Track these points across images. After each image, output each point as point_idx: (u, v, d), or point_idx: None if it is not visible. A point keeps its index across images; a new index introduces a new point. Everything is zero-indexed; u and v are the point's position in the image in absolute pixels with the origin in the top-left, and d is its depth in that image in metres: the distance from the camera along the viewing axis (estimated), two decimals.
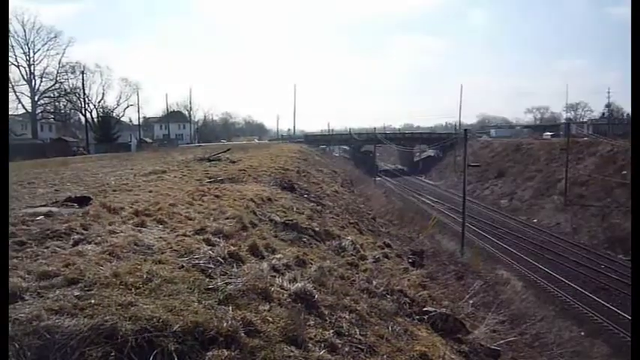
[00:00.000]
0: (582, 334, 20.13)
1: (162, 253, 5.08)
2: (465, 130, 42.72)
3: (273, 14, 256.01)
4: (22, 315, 3.16)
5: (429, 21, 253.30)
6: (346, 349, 4.21)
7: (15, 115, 71.76)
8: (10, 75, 63.40)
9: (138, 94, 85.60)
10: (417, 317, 6.22)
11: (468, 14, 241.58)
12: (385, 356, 4.38)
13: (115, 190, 9.94)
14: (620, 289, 28.41)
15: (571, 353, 10.51)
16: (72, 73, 77.96)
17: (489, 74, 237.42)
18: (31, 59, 75.53)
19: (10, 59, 62.83)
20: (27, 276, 3.88)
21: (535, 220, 47.62)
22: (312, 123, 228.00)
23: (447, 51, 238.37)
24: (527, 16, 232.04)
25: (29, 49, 75.04)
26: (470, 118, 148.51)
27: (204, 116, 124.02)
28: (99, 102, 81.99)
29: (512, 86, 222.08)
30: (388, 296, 6.41)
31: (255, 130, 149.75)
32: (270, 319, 4.08)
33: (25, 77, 74.58)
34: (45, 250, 4.74)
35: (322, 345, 4.04)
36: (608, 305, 26.79)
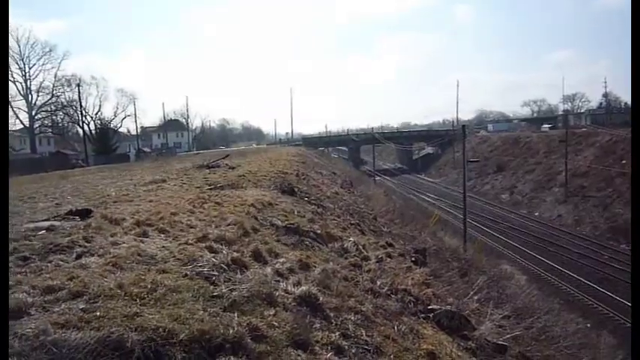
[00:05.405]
0: (588, 325, 20.10)
1: (166, 263, 5.09)
2: (463, 125, 42.64)
3: (265, 20, 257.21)
4: (29, 330, 3.16)
5: (419, 19, 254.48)
6: (353, 350, 4.21)
7: (13, 131, 71.88)
8: None
9: (135, 105, 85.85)
10: (423, 316, 6.23)
11: (455, 11, 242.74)
12: (392, 356, 4.39)
13: (115, 202, 9.93)
14: (624, 279, 28.41)
15: (578, 345, 10.48)
16: (68, 86, 78.06)
17: (483, 70, 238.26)
18: (27, 74, 75.91)
19: None
20: (32, 291, 3.88)
21: (537, 214, 47.64)
22: (310, 126, 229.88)
23: (439, 48, 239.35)
24: (512, 8, 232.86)
25: (24, 64, 75.53)
26: (467, 114, 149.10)
27: (202, 123, 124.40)
28: (96, 114, 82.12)
29: (507, 80, 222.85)
30: (393, 296, 6.41)
31: (253, 135, 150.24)
32: (276, 323, 4.09)
33: (22, 92, 74.97)
34: (48, 265, 4.74)
35: (329, 347, 4.05)
36: (612, 295, 26.81)
